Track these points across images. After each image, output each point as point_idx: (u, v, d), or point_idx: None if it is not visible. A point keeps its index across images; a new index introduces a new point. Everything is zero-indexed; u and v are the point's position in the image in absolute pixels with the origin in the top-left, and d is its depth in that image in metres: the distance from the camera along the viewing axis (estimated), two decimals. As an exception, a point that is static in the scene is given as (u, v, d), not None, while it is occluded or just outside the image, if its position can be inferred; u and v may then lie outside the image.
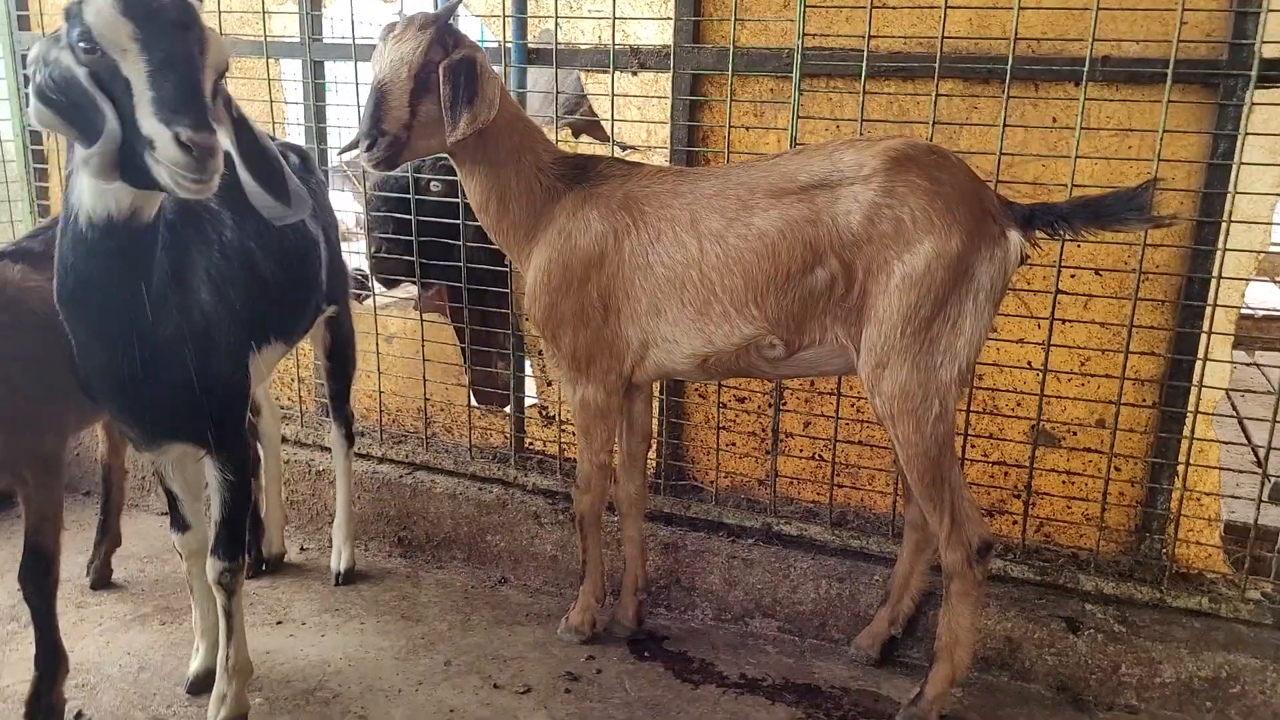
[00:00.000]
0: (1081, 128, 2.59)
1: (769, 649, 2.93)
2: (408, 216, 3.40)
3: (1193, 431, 2.68)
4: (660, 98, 3.10)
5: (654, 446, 3.11)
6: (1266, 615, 2.65)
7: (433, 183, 3.39)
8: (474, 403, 3.72)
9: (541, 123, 2.98)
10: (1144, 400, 2.78)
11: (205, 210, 2.28)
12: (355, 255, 4.16)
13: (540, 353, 3.49)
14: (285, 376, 3.87)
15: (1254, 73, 2.44)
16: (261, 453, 3.29)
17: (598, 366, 2.57)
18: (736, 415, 3.20)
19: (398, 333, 3.73)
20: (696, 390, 3.25)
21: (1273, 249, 2.85)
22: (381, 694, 2.65)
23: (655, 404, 3.05)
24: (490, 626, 3.02)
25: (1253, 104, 2.46)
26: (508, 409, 3.52)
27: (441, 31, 2.37)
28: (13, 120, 4.07)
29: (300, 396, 3.80)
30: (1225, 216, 2.55)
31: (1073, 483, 2.89)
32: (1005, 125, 2.66)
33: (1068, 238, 2.31)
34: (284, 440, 3.63)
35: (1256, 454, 2.94)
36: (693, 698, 2.67)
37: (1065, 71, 2.62)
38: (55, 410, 2.32)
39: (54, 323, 2.15)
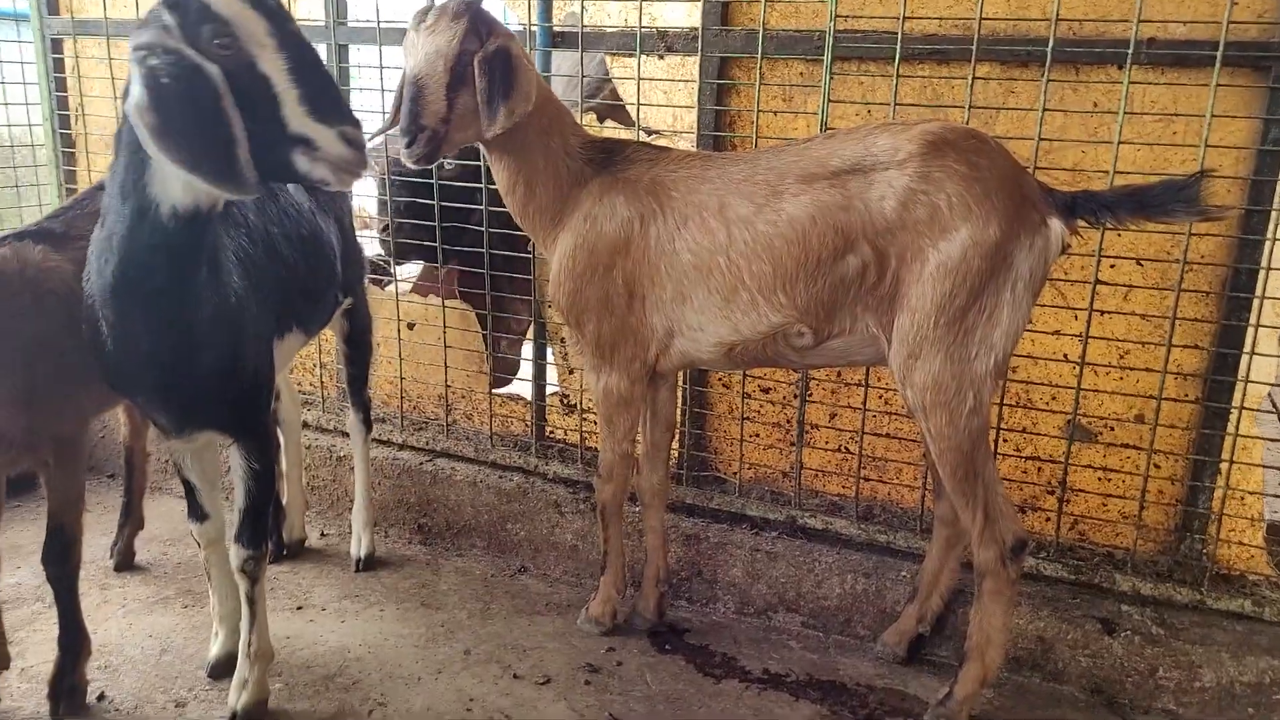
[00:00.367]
0: (1125, 113, 2.50)
1: (792, 644, 2.88)
2: (421, 198, 3.38)
3: (1237, 428, 2.60)
4: (687, 81, 3.04)
5: (677, 436, 3.07)
6: (1311, 620, 2.57)
7: (445, 161, 3.36)
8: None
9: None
10: (1186, 395, 2.69)
11: None
12: (371, 239, 4.14)
13: (563, 339, 3.45)
14: (307, 362, 3.86)
15: (1309, 55, 2.35)
16: (282, 438, 3.28)
17: (622, 354, 2.52)
18: (761, 406, 3.14)
19: (419, 319, 3.71)
20: (720, 380, 3.20)
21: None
22: (401, 681, 2.64)
23: (679, 393, 3.01)
24: (510, 616, 3.00)
25: (1307, 88, 2.38)
26: (501, 390, 3.47)
27: (475, 20, 2.32)
28: (43, 104, 4.08)
29: (322, 382, 3.79)
30: (1275, 205, 2.46)
31: (1109, 479, 2.81)
32: (1044, 110, 2.58)
33: (1110, 227, 2.23)
34: (305, 426, 3.63)
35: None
36: (715, 692, 2.63)
37: (1108, 54, 2.53)
38: (75, 391, 2.31)
39: (74, 304, 2.14)
